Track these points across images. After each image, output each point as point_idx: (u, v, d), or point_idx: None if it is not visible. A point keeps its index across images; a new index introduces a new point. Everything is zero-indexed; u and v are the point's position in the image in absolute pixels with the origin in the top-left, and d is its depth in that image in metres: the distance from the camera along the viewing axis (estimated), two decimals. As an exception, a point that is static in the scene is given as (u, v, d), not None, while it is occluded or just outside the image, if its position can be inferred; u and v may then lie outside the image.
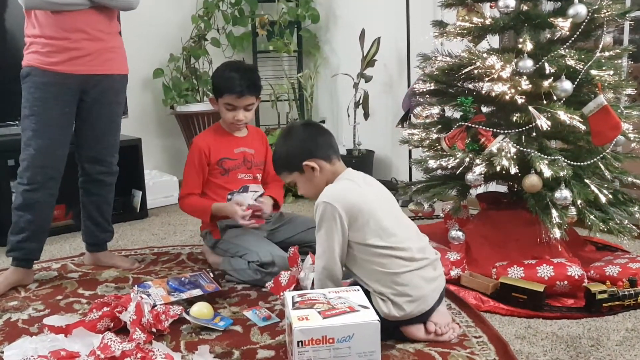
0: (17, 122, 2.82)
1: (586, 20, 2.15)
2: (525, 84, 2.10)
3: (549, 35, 2.34)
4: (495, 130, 2.19)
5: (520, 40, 2.15)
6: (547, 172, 2.04)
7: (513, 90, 2.10)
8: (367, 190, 1.77)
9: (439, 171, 2.42)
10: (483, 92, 2.20)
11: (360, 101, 3.71)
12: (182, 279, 2.14)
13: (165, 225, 3.23)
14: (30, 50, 2.18)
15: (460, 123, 2.23)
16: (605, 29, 2.21)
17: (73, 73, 2.19)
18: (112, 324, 1.83)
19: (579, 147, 2.29)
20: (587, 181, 2.16)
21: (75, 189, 2.46)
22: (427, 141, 2.41)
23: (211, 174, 2.44)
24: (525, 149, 2.11)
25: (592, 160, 2.18)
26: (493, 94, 2.14)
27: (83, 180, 2.43)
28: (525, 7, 2.26)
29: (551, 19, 2.16)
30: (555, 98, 2.12)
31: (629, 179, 2.29)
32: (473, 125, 2.21)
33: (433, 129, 2.39)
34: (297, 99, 4.04)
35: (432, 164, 2.33)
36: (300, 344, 1.46)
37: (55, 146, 2.22)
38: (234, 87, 2.31)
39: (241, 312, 1.98)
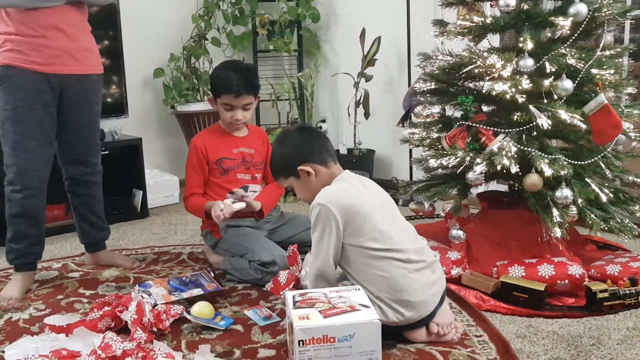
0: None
1: (587, 19, 2.15)
2: (525, 83, 2.10)
3: (549, 34, 2.34)
4: (495, 129, 2.19)
5: (521, 39, 2.15)
6: (548, 171, 2.04)
7: (514, 89, 2.10)
8: (363, 192, 1.77)
9: (440, 170, 2.42)
10: (484, 91, 2.19)
11: (361, 100, 3.71)
12: (183, 278, 2.14)
13: (166, 224, 3.23)
14: (4, 48, 2.09)
15: (460, 122, 2.23)
16: (605, 28, 2.21)
17: (53, 73, 2.14)
18: (113, 324, 1.83)
19: (580, 146, 2.29)
20: (587, 180, 2.16)
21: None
22: (428, 140, 2.41)
23: (211, 173, 2.44)
24: (525, 148, 2.11)
25: (592, 159, 2.18)
26: (494, 93, 2.14)
27: (70, 183, 2.39)
28: (525, 6, 2.26)
29: (552, 18, 2.16)
30: (556, 97, 2.12)
31: (630, 177, 2.29)
32: (474, 124, 2.21)
33: (434, 128, 2.39)
34: (298, 98, 4.04)
35: (432, 163, 2.33)
36: (301, 343, 1.46)
37: (43, 147, 2.17)
38: (232, 86, 2.30)
39: (242, 312, 1.98)
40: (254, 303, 2.06)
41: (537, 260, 2.09)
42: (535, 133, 2.15)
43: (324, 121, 4.11)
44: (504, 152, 2.09)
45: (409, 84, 3.42)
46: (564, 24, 2.12)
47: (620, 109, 2.21)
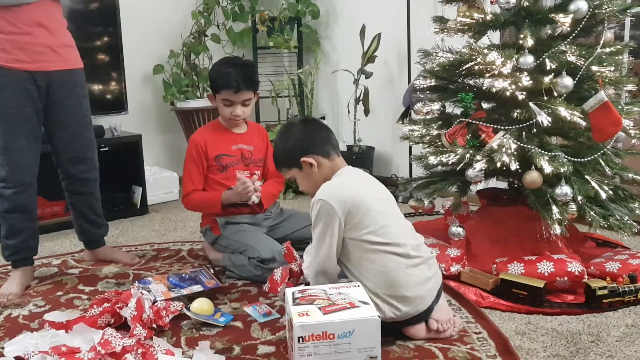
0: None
1: (587, 16, 2.14)
2: (525, 80, 2.10)
3: (549, 31, 2.34)
4: (495, 126, 2.19)
5: (521, 36, 2.15)
6: (548, 168, 2.04)
7: (514, 86, 2.10)
8: (363, 187, 1.77)
9: (440, 167, 2.42)
10: (484, 88, 2.19)
11: (361, 97, 3.71)
12: (183, 275, 2.15)
13: (165, 221, 3.23)
14: None
15: (460, 119, 2.23)
16: (606, 25, 2.20)
17: (39, 70, 2.13)
18: (112, 320, 1.83)
19: (580, 143, 2.29)
20: (587, 177, 2.16)
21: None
22: (428, 137, 2.41)
23: (209, 170, 2.43)
24: (525, 145, 2.11)
25: (592, 157, 2.18)
26: (494, 90, 2.13)
27: (68, 183, 2.38)
28: (526, 3, 2.26)
29: (552, 15, 2.15)
30: (555, 94, 2.11)
31: (630, 175, 2.28)
32: (473, 122, 2.21)
33: (433, 125, 2.38)
34: (298, 95, 4.03)
35: (432, 160, 2.33)
36: (300, 339, 1.46)
37: (34, 144, 2.18)
38: (230, 82, 2.30)
39: (241, 308, 1.98)
40: (253, 300, 2.06)
41: (536, 257, 2.09)
42: (535, 130, 2.15)
43: (323, 118, 4.11)
44: (503, 149, 2.09)
45: (409, 81, 3.42)
46: (564, 20, 2.12)
47: (620, 107, 2.21)
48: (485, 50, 2.20)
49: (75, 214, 2.45)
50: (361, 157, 3.70)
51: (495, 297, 2.00)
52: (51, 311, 1.98)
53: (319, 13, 4.06)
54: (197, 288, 2.05)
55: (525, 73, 2.11)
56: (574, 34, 2.19)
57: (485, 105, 2.36)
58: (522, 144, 2.11)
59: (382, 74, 3.76)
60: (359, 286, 1.66)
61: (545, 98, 2.13)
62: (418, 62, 2.51)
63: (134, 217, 3.31)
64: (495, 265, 2.13)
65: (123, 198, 3.40)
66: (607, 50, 2.22)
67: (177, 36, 3.89)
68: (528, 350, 1.68)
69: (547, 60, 2.14)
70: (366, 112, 3.71)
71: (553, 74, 2.13)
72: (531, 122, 2.12)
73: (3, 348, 1.71)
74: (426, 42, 2.57)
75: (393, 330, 1.70)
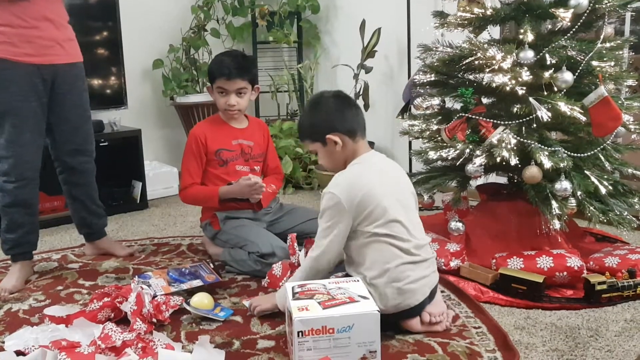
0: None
1: (587, 11, 2.14)
2: (526, 75, 2.09)
3: (550, 26, 2.33)
4: (495, 121, 2.19)
5: (521, 31, 2.15)
6: (547, 164, 2.04)
7: (514, 82, 2.10)
8: (376, 178, 1.74)
9: (439, 162, 2.42)
10: (484, 83, 2.19)
11: (361, 92, 3.70)
12: (183, 269, 2.15)
13: (165, 216, 3.23)
14: None
15: (460, 114, 2.23)
16: (606, 20, 2.20)
17: (45, 63, 2.16)
18: (112, 315, 1.83)
19: (580, 139, 2.29)
20: (587, 172, 2.16)
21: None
22: (428, 132, 2.41)
23: (210, 164, 2.43)
24: (525, 140, 2.11)
25: (592, 152, 2.18)
26: (494, 85, 2.13)
27: (67, 175, 2.39)
28: (526, -2, 2.26)
29: (552, 10, 2.15)
30: (555, 89, 2.11)
31: (629, 170, 2.28)
32: (473, 117, 2.21)
33: (433, 120, 2.38)
34: (297, 90, 4.03)
35: (432, 155, 2.33)
36: (300, 334, 1.47)
37: (37, 138, 2.19)
38: (224, 69, 2.32)
39: (241, 303, 1.99)
40: (253, 294, 2.07)
41: (535, 252, 2.10)
42: (535, 125, 2.15)
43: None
44: (503, 144, 2.09)
45: (409, 76, 3.41)
46: (565, 15, 2.12)
47: (620, 102, 2.21)
48: (486, 45, 2.20)
49: (76, 206, 2.46)
50: (361, 152, 3.69)
51: (494, 291, 2.00)
52: (51, 306, 1.98)
53: (319, 7, 4.05)
54: (196, 283, 2.05)
55: (525, 68, 2.11)
56: (574, 29, 2.19)
57: (485, 100, 2.35)
58: (521, 139, 2.11)
59: (382, 68, 3.75)
60: (358, 281, 1.66)
61: (545, 93, 2.13)
62: (418, 57, 2.51)
63: (133, 212, 3.32)
64: (494, 260, 2.13)
65: (123, 193, 3.40)
66: (608, 45, 2.21)
67: (176, 31, 3.88)
68: (527, 344, 1.69)
69: (547, 55, 2.14)
70: (366, 107, 3.70)
71: (553, 69, 2.13)
72: (531, 117, 2.12)
73: (3, 342, 1.71)
74: (426, 36, 2.56)
75: (392, 325, 1.71)
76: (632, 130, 2.25)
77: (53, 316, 1.82)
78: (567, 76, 2.09)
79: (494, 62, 2.13)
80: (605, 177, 2.20)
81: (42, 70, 2.16)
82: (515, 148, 2.09)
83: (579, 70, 2.13)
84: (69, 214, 2.53)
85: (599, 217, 2.13)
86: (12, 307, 2.02)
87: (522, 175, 2.12)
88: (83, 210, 2.46)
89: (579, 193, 2.10)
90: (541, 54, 2.14)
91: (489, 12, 2.26)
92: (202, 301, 1.89)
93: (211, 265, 2.25)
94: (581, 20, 2.17)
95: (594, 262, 2.12)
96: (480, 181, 2.53)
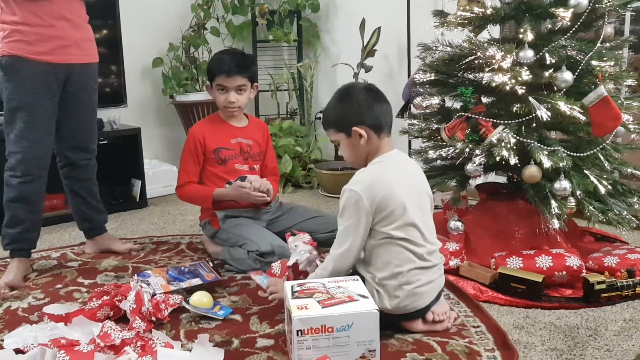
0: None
1: (587, 11, 2.14)
2: (525, 75, 2.09)
3: (549, 26, 2.33)
4: (495, 120, 2.19)
5: (521, 30, 2.15)
6: (547, 163, 2.04)
7: (513, 81, 2.09)
8: (397, 178, 1.72)
9: (439, 161, 2.42)
10: (483, 82, 2.19)
11: (360, 91, 3.70)
12: (182, 268, 2.15)
13: (164, 214, 3.23)
14: (12, 38, 2.10)
15: (460, 113, 2.23)
16: (606, 20, 2.20)
17: (60, 62, 2.18)
18: (111, 313, 1.83)
19: (579, 138, 2.29)
20: (586, 172, 2.16)
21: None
22: (427, 131, 2.41)
23: (209, 162, 2.44)
24: (525, 140, 2.11)
25: (591, 151, 2.18)
26: (493, 84, 2.13)
27: (68, 170, 2.41)
28: (526, -3, 2.25)
29: (552, 9, 2.15)
30: (555, 89, 2.11)
31: (629, 170, 2.29)
32: (473, 116, 2.21)
33: (433, 119, 2.38)
34: (297, 89, 4.03)
35: (431, 154, 2.33)
36: (299, 333, 1.47)
37: (47, 136, 2.22)
38: (223, 66, 2.33)
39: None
40: (252, 293, 2.06)
41: (535, 252, 2.10)
42: (534, 125, 2.15)
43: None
44: (503, 144, 2.09)
45: (409, 75, 3.41)
46: (565, 15, 2.11)
47: (619, 101, 2.21)
48: (485, 45, 2.20)
49: (77, 201, 2.47)
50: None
51: (493, 291, 2.00)
52: (50, 304, 1.98)
53: (319, 6, 4.05)
54: (196, 281, 2.06)
55: (525, 67, 2.11)
56: (574, 29, 2.19)
57: (484, 100, 2.35)
58: (521, 139, 2.11)
59: (381, 67, 3.75)
60: (357, 280, 1.66)
61: (545, 92, 2.13)
62: (418, 56, 2.51)
63: (133, 210, 3.32)
64: (493, 260, 2.13)
65: (122, 191, 3.40)
66: (607, 44, 2.21)
67: (176, 29, 3.88)
68: (526, 344, 1.69)
69: (547, 55, 2.14)
70: (366, 106, 3.70)
71: (553, 68, 2.13)
72: (531, 116, 2.12)
73: (2, 340, 1.71)
74: (426, 36, 2.56)
75: (391, 324, 1.71)
76: (632, 130, 2.25)
77: (52, 314, 1.82)
78: (567, 76, 2.09)
79: (493, 61, 2.13)
80: (605, 176, 2.20)
81: (57, 69, 2.18)
82: (514, 147, 2.09)
83: (578, 70, 2.13)
84: (69, 212, 2.54)
85: (598, 216, 2.13)
86: (11, 305, 2.02)
87: (521, 175, 2.12)
88: (84, 205, 2.47)
89: (578, 192, 2.10)
90: (541, 53, 2.14)
91: (489, 12, 2.26)
92: (201, 300, 1.89)
93: (210, 263, 2.25)
94: (581, 20, 2.16)
95: (593, 261, 2.12)
96: (480, 180, 2.53)
